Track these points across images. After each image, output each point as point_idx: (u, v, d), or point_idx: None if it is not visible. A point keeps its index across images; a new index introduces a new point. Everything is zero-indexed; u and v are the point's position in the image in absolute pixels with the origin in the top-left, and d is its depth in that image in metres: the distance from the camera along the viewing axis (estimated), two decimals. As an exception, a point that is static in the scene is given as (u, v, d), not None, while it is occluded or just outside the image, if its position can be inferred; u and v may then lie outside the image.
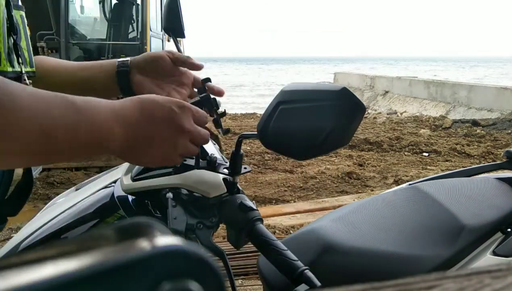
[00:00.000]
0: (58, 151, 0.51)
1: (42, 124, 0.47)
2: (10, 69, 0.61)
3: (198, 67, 0.82)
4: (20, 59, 0.64)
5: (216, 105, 0.75)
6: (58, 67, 0.81)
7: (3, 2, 0.60)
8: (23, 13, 0.69)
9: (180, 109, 0.59)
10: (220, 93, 0.79)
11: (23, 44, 0.66)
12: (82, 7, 6.56)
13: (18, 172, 0.66)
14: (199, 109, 0.62)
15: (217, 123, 0.78)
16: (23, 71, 0.64)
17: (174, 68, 0.80)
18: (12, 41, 0.62)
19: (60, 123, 0.49)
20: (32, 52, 0.70)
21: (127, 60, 0.81)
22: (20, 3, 0.68)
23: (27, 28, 0.69)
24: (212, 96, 0.78)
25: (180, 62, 0.80)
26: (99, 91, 0.79)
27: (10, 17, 0.62)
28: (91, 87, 0.80)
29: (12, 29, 0.62)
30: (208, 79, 0.76)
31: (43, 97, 0.48)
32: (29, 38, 0.70)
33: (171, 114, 0.58)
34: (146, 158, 0.59)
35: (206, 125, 0.78)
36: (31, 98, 0.47)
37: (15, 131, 0.45)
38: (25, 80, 0.64)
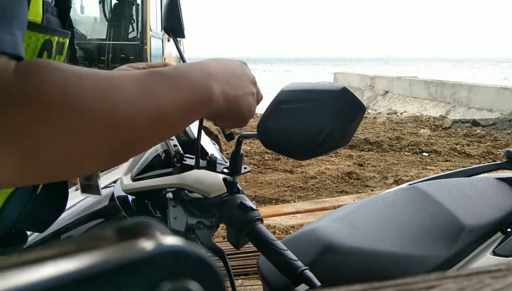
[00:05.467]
0: (168, 132, 0.47)
1: (150, 107, 0.40)
2: None
3: None
4: None
5: None
6: None
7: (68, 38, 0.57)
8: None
9: (245, 65, 0.59)
10: None
11: None
12: (82, 7, 6.56)
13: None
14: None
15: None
16: None
17: None
18: None
19: (167, 100, 0.42)
20: None
21: None
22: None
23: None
24: None
25: None
26: None
27: (73, 50, 0.61)
28: None
29: (74, 59, 0.61)
30: None
31: (136, 77, 0.41)
32: None
33: (244, 67, 0.58)
34: (241, 114, 0.55)
35: (206, 126, 0.78)
36: (124, 81, 0.40)
37: (121, 122, 0.38)
38: None
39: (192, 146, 0.80)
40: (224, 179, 0.78)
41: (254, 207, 0.75)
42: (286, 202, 3.98)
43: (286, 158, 2.54)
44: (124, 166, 0.89)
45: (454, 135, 7.03)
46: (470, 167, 1.41)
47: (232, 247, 0.77)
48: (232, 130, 0.76)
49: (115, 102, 0.38)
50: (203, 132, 0.80)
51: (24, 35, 0.37)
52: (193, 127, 0.86)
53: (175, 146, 0.79)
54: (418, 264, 0.93)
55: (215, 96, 0.49)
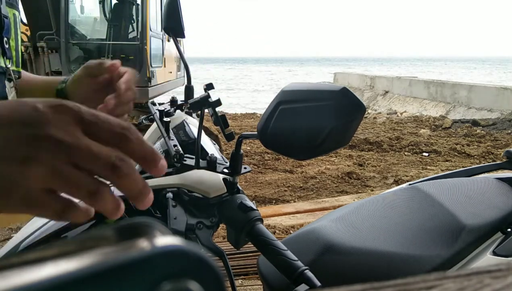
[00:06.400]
0: None
1: None
2: None
3: (114, 68, 0.64)
4: (5, 56, 0.61)
5: (218, 105, 0.74)
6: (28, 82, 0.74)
7: None
8: (17, 13, 0.66)
9: (52, 109, 0.32)
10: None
11: (12, 42, 0.64)
12: (82, 7, 6.56)
13: None
14: (103, 115, 0.34)
15: (223, 125, 0.75)
16: (8, 67, 0.62)
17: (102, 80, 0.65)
18: None
19: None
20: (20, 54, 0.67)
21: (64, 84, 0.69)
22: (14, 2, 0.66)
23: (19, 29, 0.67)
24: (216, 97, 0.75)
25: (98, 71, 0.65)
26: None
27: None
28: None
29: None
30: (211, 86, 0.74)
31: None
32: (19, 40, 0.68)
33: (31, 115, 0.32)
34: None
35: (206, 126, 0.77)
36: None
37: None
38: (10, 75, 0.62)
39: (192, 145, 0.80)
40: (224, 179, 0.78)
41: (254, 207, 0.75)
42: (286, 202, 3.98)
43: (286, 158, 2.54)
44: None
45: (454, 135, 7.03)
46: (470, 167, 1.41)
47: (232, 247, 0.77)
48: (232, 130, 0.76)
49: None
50: (203, 132, 0.80)
51: None
52: (193, 128, 0.86)
53: (175, 146, 0.79)
54: (418, 264, 0.93)
55: None
